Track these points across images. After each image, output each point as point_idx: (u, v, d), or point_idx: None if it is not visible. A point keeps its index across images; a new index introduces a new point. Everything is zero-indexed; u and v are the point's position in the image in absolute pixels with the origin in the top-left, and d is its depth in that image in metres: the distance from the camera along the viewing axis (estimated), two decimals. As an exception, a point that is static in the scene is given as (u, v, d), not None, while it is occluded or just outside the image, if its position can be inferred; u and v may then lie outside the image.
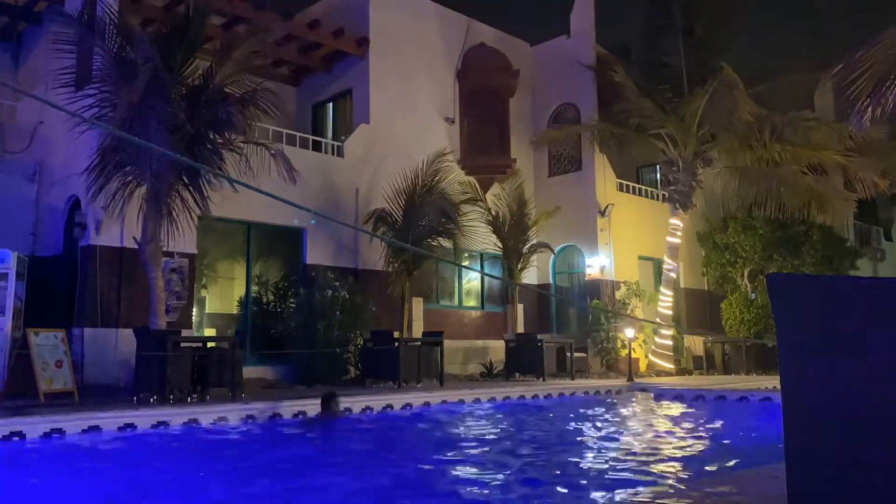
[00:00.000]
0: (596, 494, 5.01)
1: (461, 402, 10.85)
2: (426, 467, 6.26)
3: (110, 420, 7.49)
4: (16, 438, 6.74)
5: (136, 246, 10.44)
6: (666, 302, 16.84)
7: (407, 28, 16.55)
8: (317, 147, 14.74)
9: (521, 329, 16.75)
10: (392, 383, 11.94)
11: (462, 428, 9.09)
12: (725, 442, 7.80)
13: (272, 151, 10.89)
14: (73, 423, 7.19)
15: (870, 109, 9.36)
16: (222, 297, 14.83)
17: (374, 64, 15.74)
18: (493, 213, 16.21)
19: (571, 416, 10.26)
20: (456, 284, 17.21)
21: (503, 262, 16.52)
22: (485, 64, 17.42)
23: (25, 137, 12.98)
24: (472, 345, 16.26)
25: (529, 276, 17.68)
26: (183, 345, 9.92)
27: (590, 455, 6.75)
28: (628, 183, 18.85)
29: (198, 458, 6.71)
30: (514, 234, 16.14)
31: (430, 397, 10.55)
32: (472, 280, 17.65)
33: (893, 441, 2.54)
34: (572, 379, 14.37)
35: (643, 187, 19.55)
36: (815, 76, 16.16)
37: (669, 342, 16.95)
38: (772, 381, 12.42)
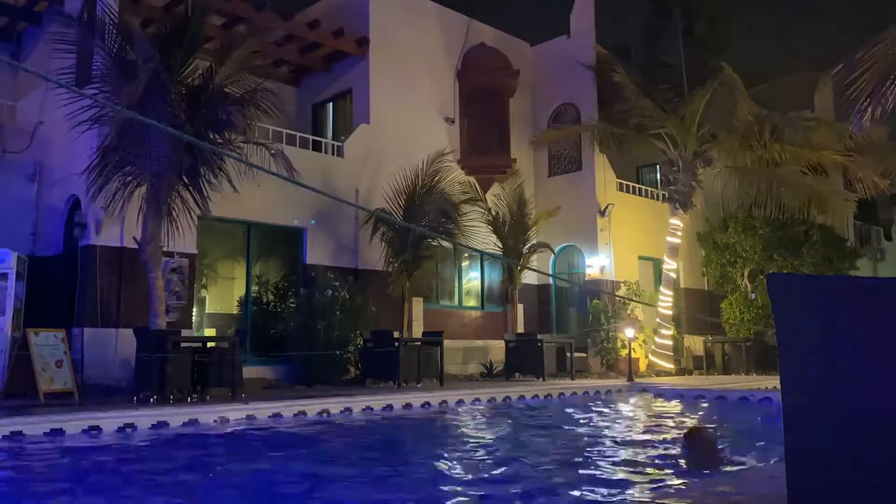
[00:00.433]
0: (596, 494, 5.01)
1: (461, 402, 10.84)
2: (425, 467, 6.27)
3: (110, 420, 7.48)
4: (16, 438, 6.73)
5: (136, 246, 10.45)
6: (666, 302, 16.84)
7: (407, 28, 16.56)
8: (317, 147, 14.74)
9: (521, 329, 16.75)
10: (392, 383, 11.94)
11: (461, 427, 9.09)
12: (725, 442, 7.79)
13: (272, 151, 10.89)
14: (73, 423, 7.19)
15: (870, 109, 9.36)
16: (222, 297, 14.83)
17: (374, 64, 15.74)
18: (493, 213, 16.21)
19: (571, 416, 10.26)
20: (456, 284, 17.21)
21: (503, 264, 16.53)
22: (485, 64, 17.42)
23: (25, 137, 12.98)
24: (472, 345, 16.26)
25: (529, 276, 17.69)
26: (183, 345, 9.93)
27: (589, 455, 6.75)
28: (628, 183, 18.85)
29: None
30: (514, 234, 16.14)
31: (430, 397, 10.54)
32: (472, 280, 17.65)
33: (893, 441, 2.54)
34: (572, 379, 14.38)
35: (643, 187, 19.55)
36: (815, 76, 16.19)
37: (669, 342, 16.95)
38: (772, 381, 12.42)
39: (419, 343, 13.05)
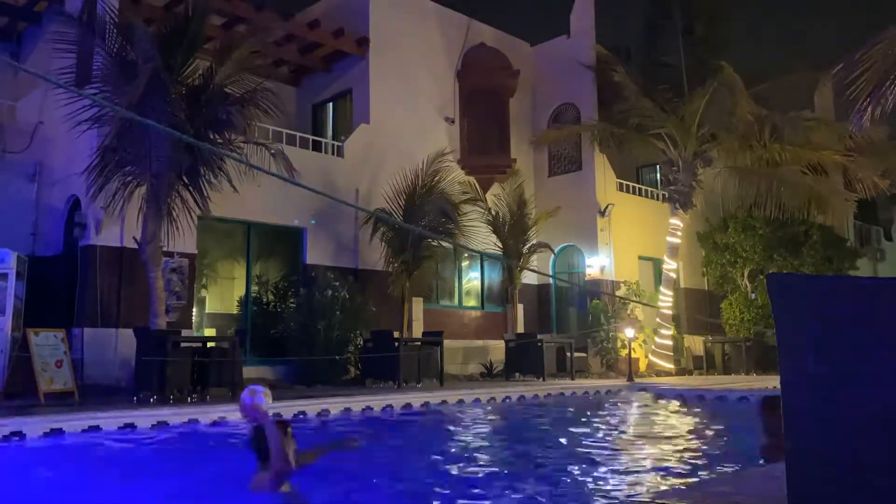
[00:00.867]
0: (596, 494, 5.01)
1: (461, 402, 10.84)
2: (425, 467, 6.26)
3: (110, 420, 7.48)
4: (16, 438, 6.73)
5: (136, 246, 10.45)
6: (666, 302, 16.84)
7: (407, 28, 16.55)
8: (317, 147, 14.74)
9: (521, 329, 16.75)
10: (392, 383, 11.94)
11: (460, 427, 9.09)
12: (725, 442, 7.80)
13: (272, 151, 10.89)
14: (73, 423, 7.19)
15: (870, 109, 9.36)
16: (222, 297, 14.84)
17: (374, 64, 15.74)
18: (493, 213, 16.21)
19: (571, 416, 10.26)
20: (456, 284, 17.21)
21: (503, 264, 16.53)
22: (485, 64, 17.43)
23: (25, 137, 12.98)
24: (472, 345, 16.26)
25: (529, 276, 17.69)
26: (183, 345, 9.93)
27: (589, 455, 6.75)
28: (628, 183, 18.86)
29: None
30: (514, 234, 16.14)
31: (430, 397, 10.54)
32: (472, 280, 17.65)
33: (893, 441, 2.54)
34: (572, 379, 14.38)
35: (643, 187, 19.56)
36: (815, 76, 16.18)
37: (669, 342, 16.95)
38: (772, 381, 12.42)
39: (419, 343, 13.05)
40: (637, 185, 19.35)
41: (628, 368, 14.67)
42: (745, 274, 18.56)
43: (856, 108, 9.54)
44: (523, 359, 14.47)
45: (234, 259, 14.37)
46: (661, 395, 12.46)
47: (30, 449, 6.59)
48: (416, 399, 10.28)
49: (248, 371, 11.31)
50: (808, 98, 18.88)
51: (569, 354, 14.89)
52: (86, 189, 10.33)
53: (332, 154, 14.85)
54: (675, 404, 11.58)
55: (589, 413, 10.50)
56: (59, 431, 7.04)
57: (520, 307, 17.06)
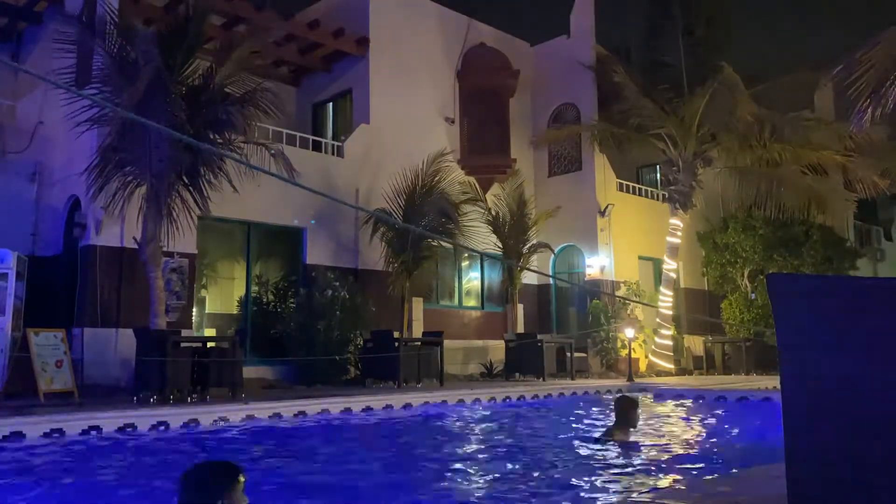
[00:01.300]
0: (596, 494, 5.01)
1: (461, 402, 10.84)
2: (425, 466, 6.27)
3: (110, 420, 7.48)
4: (16, 438, 6.73)
5: (136, 246, 10.45)
6: (666, 302, 16.84)
7: (407, 28, 16.55)
8: (317, 147, 14.74)
9: (521, 329, 16.75)
10: (392, 383, 11.94)
11: (459, 427, 9.09)
12: (725, 442, 7.80)
13: (272, 151, 10.89)
14: (73, 423, 7.19)
15: (870, 109, 9.36)
16: (222, 297, 14.84)
17: (374, 64, 15.74)
18: (493, 213, 16.21)
19: (571, 416, 10.26)
20: (456, 284, 17.21)
21: (503, 264, 16.53)
22: (485, 64, 17.42)
23: (25, 137, 12.98)
24: (472, 345, 16.26)
25: (529, 276, 17.69)
26: (183, 345, 9.93)
27: (589, 455, 6.75)
28: (628, 183, 18.85)
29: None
30: (514, 234, 16.14)
31: (430, 397, 10.54)
32: (472, 280, 17.65)
33: (893, 441, 2.54)
34: (572, 379, 14.38)
35: (643, 187, 19.55)
36: (815, 76, 16.16)
37: (669, 342, 16.95)
38: (772, 381, 12.42)
39: (419, 343, 13.05)
40: (637, 185, 19.35)
41: (628, 368, 14.67)
42: (745, 274, 18.56)
43: (856, 109, 9.54)
44: (523, 359, 14.47)
45: (234, 259, 14.37)
46: (660, 395, 12.47)
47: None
48: (416, 399, 10.28)
49: (248, 371, 11.31)
50: (808, 98, 18.87)
51: (569, 354, 14.89)
52: (86, 189, 10.33)
53: (332, 154, 14.84)
54: (674, 404, 11.58)
55: (588, 413, 10.50)
56: (59, 431, 7.04)
57: (520, 307, 17.06)
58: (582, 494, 5.04)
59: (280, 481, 5.41)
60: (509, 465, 6.34)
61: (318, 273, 13.38)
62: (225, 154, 10.02)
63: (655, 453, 6.99)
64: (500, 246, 16.05)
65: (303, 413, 8.98)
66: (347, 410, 9.41)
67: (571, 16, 18.48)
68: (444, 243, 14.41)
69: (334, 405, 9.41)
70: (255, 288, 13.56)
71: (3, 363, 9.20)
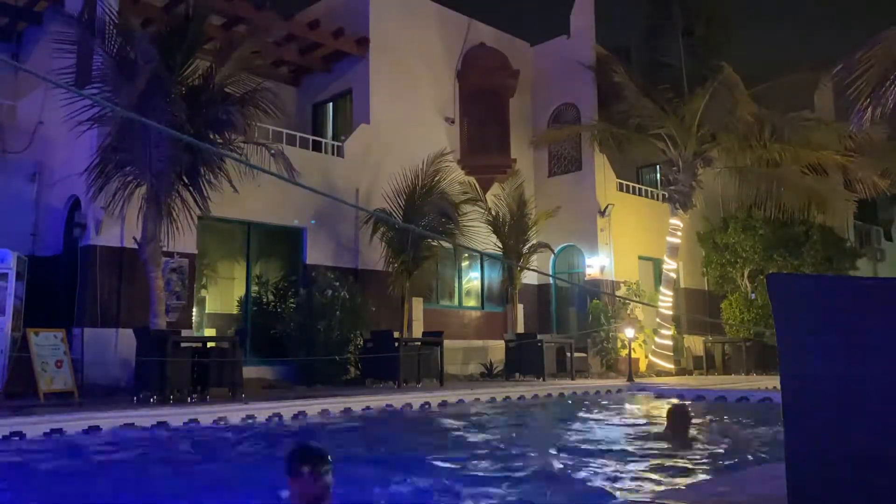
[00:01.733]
0: (596, 495, 5.01)
1: (461, 402, 10.84)
2: (426, 465, 6.26)
3: (110, 420, 7.48)
4: (16, 438, 6.73)
5: (136, 246, 10.45)
6: (666, 302, 16.84)
7: (407, 28, 16.55)
8: (317, 147, 14.74)
9: (521, 329, 16.75)
10: (392, 383, 11.94)
11: (459, 428, 9.08)
12: (725, 442, 7.79)
13: (272, 151, 10.89)
14: (73, 423, 7.19)
15: (870, 109, 9.36)
16: (222, 297, 14.83)
17: (374, 64, 15.74)
18: (493, 213, 16.21)
19: (571, 416, 10.26)
20: (456, 284, 17.21)
21: (503, 264, 16.54)
22: (485, 64, 17.42)
23: (25, 137, 12.98)
24: (472, 345, 16.25)
25: (529, 276, 17.68)
26: (183, 345, 9.93)
27: (589, 455, 6.75)
28: (628, 183, 18.85)
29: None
30: (514, 234, 16.13)
31: (430, 397, 10.54)
32: (472, 280, 17.65)
33: (893, 441, 2.54)
34: (572, 379, 14.38)
35: (643, 187, 19.55)
36: (815, 76, 16.18)
37: (669, 342, 16.95)
38: (772, 381, 12.42)
39: (419, 343, 13.05)
40: (637, 185, 19.35)
41: (628, 368, 14.67)
42: (745, 274, 18.56)
43: (856, 109, 9.55)
44: (523, 359, 14.48)
45: (234, 259, 14.37)
46: (661, 395, 12.47)
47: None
48: (416, 399, 10.28)
49: (248, 371, 11.31)
50: (808, 98, 18.86)
51: (569, 354, 14.89)
52: (86, 189, 10.33)
53: (332, 154, 14.84)
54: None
55: (588, 413, 10.51)
56: (60, 431, 7.04)
57: (520, 307, 17.06)
58: (582, 494, 5.04)
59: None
60: (508, 465, 6.34)
61: (318, 273, 13.38)
62: (225, 154, 10.02)
63: (655, 453, 6.99)
64: (500, 246, 16.05)
65: (303, 413, 8.98)
66: (347, 410, 9.41)
67: (571, 16, 18.48)
68: (444, 243, 14.42)
69: (334, 405, 9.41)
70: (255, 288, 13.56)
71: (3, 363, 9.20)
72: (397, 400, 10.04)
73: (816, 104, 19.05)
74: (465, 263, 17.42)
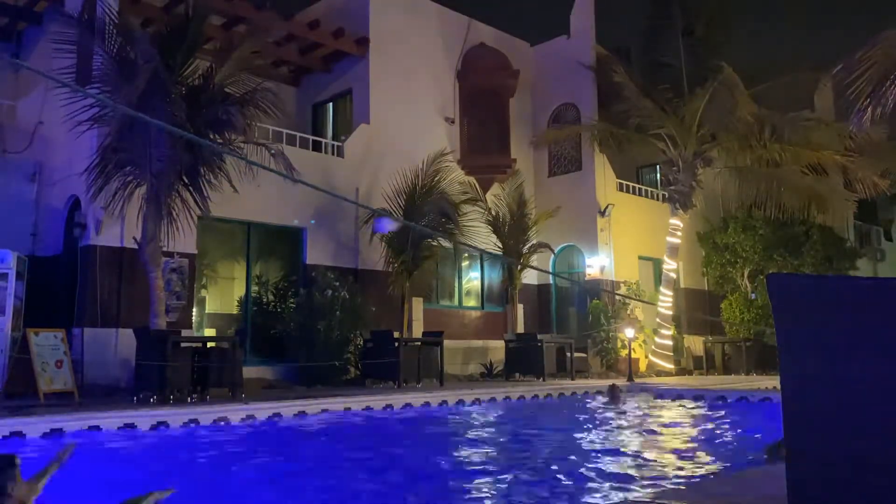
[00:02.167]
0: (595, 495, 5.01)
1: (461, 402, 10.84)
2: (427, 466, 6.27)
3: (110, 420, 7.48)
4: (16, 438, 6.73)
5: (136, 246, 10.45)
6: (666, 302, 16.84)
7: (407, 28, 16.55)
8: (317, 147, 14.74)
9: (521, 329, 16.75)
10: (392, 383, 11.94)
11: (459, 428, 9.09)
12: (725, 442, 7.79)
13: (272, 151, 10.89)
14: (73, 423, 7.19)
15: (870, 109, 9.37)
16: (222, 297, 14.83)
17: (374, 64, 15.74)
18: (493, 213, 16.21)
19: (571, 416, 10.26)
20: (456, 284, 17.21)
21: (503, 263, 16.54)
22: (485, 64, 17.42)
23: (25, 137, 12.98)
24: (472, 345, 16.25)
25: (529, 276, 17.68)
26: (183, 345, 9.93)
27: (589, 455, 6.75)
28: (628, 183, 18.85)
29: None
30: (514, 234, 16.14)
31: (430, 397, 10.54)
32: (472, 280, 17.65)
33: (893, 441, 2.54)
34: (572, 379, 14.38)
35: (643, 187, 19.55)
36: (815, 76, 16.17)
37: (669, 342, 16.95)
38: (772, 381, 12.42)
39: (419, 343, 13.05)
40: (637, 185, 19.35)
41: (628, 368, 14.67)
42: (745, 274, 18.55)
43: (856, 109, 9.55)
44: (523, 359, 14.47)
45: (234, 259, 14.36)
46: (661, 395, 12.46)
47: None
48: (416, 399, 10.28)
49: (248, 371, 11.31)
50: (808, 98, 18.86)
51: (569, 354, 14.89)
52: (86, 189, 10.33)
53: (332, 154, 14.84)
54: (674, 404, 11.58)
55: (588, 413, 10.51)
56: (60, 431, 7.04)
57: (520, 307, 17.06)
58: (582, 494, 5.04)
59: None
60: (508, 465, 6.34)
61: (318, 273, 13.38)
62: (226, 152, 10.02)
63: (655, 453, 7.00)
64: (500, 246, 16.05)
65: (303, 413, 8.98)
66: (347, 410, 9.41)
67: (571, 16, 18.48)
68: (444, 243, 14.42)
69: (334, 405, 9.41)
70: (255, 288, 13.56)
71: (3, 363, 9.20)
72: (397, 400, 10.04)
73: (816, 104, 19.04)
74: (465, 263, 17.43)
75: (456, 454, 6.99)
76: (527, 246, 16.37)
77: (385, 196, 14.07)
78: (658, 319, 16.86)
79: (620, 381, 14.01)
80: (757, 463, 5.59)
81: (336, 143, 15.02)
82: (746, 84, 15.44)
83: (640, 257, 18.40)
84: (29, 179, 12.80)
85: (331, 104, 17.14)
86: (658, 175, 20.59)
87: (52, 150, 12.59)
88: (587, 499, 4.94)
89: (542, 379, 13.89)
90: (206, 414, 8.20)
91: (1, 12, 14.14)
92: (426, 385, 12.23)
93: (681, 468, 6.07)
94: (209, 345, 10.50)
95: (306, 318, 12.33)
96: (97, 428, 7.27)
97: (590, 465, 6.23)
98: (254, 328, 13.09)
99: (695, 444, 7.54)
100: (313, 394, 10.38)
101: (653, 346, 16.97)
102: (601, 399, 11.80)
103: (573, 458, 6.70)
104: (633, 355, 15.55)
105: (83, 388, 9.66)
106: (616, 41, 18.54)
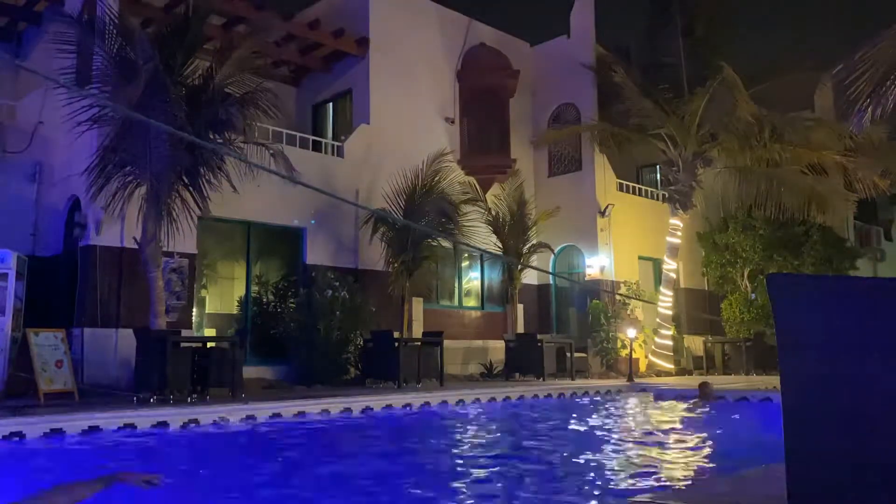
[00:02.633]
0: (595, 495, 5.01)
1: (461, 402, 10.84)
2: (425, 464, 6.27)
3: (110, 420, 7.48)
4: (15, 439, 6.73)
5: (136, 246, 10.45)
6: (666, 302, 16.83)
7: (407, 28, 16.55)
8: (317, 147, 14.74)
9: (521, 329, 16.75)
10: (392, 383, 11.94)
11: (458, 428, 9.09)
12: (725, 442, 7.79)
13: (272, 151, 10.89)
14: (73, 423, 7.19)
15: (870, 109, 9.35)
16: (222, 297, 14.83)
17: (374, 64, 15.74)
18: (493, 213, 16.21)
19: (571, 416, 10.26)
20: (456, 284, 17.21)
21: (503, 263, 16.54)
22: (485, 64, 17.42)
23: (25, 137, 12.97)
24: (472, 345, 16.25)
25: (529, 276, 17.68)
26: (183, 345, 9.93)
27: (589, 456, 6.75)
28: (628, 183, 18.85)
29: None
30: (514, 234, 16.13)
31: (430, 398, 10.54)
32: (472, 280, 17.65)
33: (893, 441, 2.54)
34: (572, 379, 14.37)
35: (643, 187, 19.55)
36: (815, 76, 16.17)
37: (669, 342, 16.95)
38: (772, 381, 12.41)
39: (419, 343, 13.04)
40: (637, 185, 19.35)
41: (628, 369, 14.67)
42: (745, 274, 18.55)
43: (856, 109, 9.53)
44: (523, 359, 14.47)
45: (234, 259, 14.36)
46: (661, 395, 12.46)
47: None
48: (416, 399, 10.28)
49: (248, 371, 11.31)
50: (808, 98, 18.86)
51: (569, 354, 14.88)
52: (86, 189, 10.33)
53: (332, 154, 14.84)
54: (674, 404, 11.57)
55: (588, 413, 10.51)
56: (60, 431, 7.04)
57: (520, 307, 17.06)
58: (582, 495, 5.04)
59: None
60: (508, 465, 6.34)
61: (318, 273, 13.37)
62: (227, 152, 10.02)
63: (655, 453, 7.00)
64: (500, 246, 16.05)
65: (303, 413, 8.98)
66: (347, 411, 9.41)
67: (571, 16, 18.48)
68: (444, 243, 14.42)
69: (334, 405, 9.41)
70: (255, 288, 13.56)
71: (3, 363, 9.20)
72: (397, 400, 10.04)
73: (816, 104, 19.05)
74: (465, 263, 17.42)
75: (455, 454, 6.99)
76: (527, 246, 16.37)
77: (385, 196, 14.06)
78: (658, 319, 16.86)
79: (620, 381, 14.02)
80: (756, 463, 5.59)
81: (336, 144, 15.02)
82: (746, 84, 15.43)
83: (640, 257, 18.40)
84: (29, 179, 12.79)
85: (331, 104, 17.14)
86: (658, 175, 20.59)
87: (52, 150, 12.59)
88: (587, 499, 4.94)
89: (542, 379, 13.89)
90: (206, 414, 8.20)
91: (1, 12, 14.14)
92: (426, 385, 12.22)
93: (681, 468, 6.07)
94: (209, 345, 10.50)
95: (306, 318, 12.33)
96: (97, 428, 7.27)
97: (590, 466, 6.23)
98: (254, 328, 13.09)
99: (694, 444, 7.54)
100: (313, 394, 10.38)
101: (653, 346, 16.97)
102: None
103: (573, 458, 6.70)
104: (633, 355, 15.55)
105: (83, 389, 9.66)
106: (616, 41, 18.55)
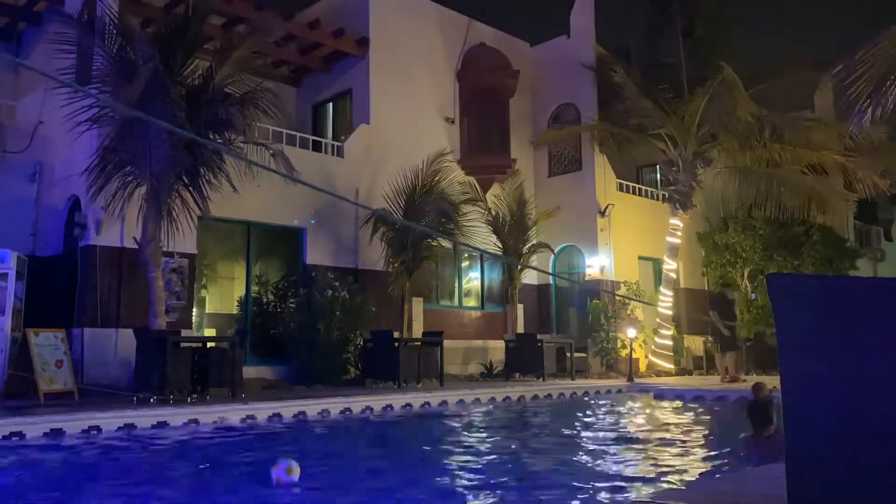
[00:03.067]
0: (595, 495, 5.01)
1: (461, 402, 10.84)
2: (425, 465, 6.27)
3: (110, 420, 7.48)
4: (15, 438, 6.73)
5: (136, 246, 10.45)
6: (666, 302, 16.83)
7: (407, 28, 16.55)
8: (317, 147, 14.74)
9: (521, 329, 16.75)
10: (392, 383, 11.94)
11: (458, 428, 9.09)
12: (725, 442, 7.80)
13: (272, 151, 10.89)
14: (73, 423, 7.19)
15: (870, 109, 9.35)
16: (222, 297, 14.83)
17: (374, 64, 15.74)
18: (493, 213, 16.21)
19: (571, 416, 10.26)
20: (456, 284, 17.21)
21: (503, 263, 16.54)
22: (485, 64, 17.42)
23: (25, 137, 12.98)
24: (472, 345, 16.25)
25: (529, 276, 17.68)
26: (183, 345, 9.93)
27: (589, 456, 6.75)
28: (628, 183, 18.85)
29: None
30: (514, 234, 16.14)
31: (430, 397, 10.55)
32: (472, 280, 17.65)
33: (893, 441, 2.54)
34: (572, 379, 14.38)
35: (643, 187, 19.55)
36: (815, 76, 16.17)
37: (669, 342, 16.95)
38: (772, 381, 12.40)
39: (419, 343, 13.05)
40: (637, 185, 19.35)
41: (628, 369, 14.67)
42: (745, 274, 18.54)
43: (856, 109, 9.53)
44: (523, 359, 14.47)
45: (234, 259, 14.36)
46: (661, 395, 12.46)
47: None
48: (416, 399, 10.28)
49: (248, 371, 11.31)
50: (808, 98, 18.86)
51: (569, 355, 14.89)
52: (86, 189, 10.33)
53: (332, 154, 14.84)
54: (675, 404, 11.58)
55: (588, 413, 10.51)
56: (60, 431, 7.04)
57: (520, 307, 17.06)
58: (582, 495, 5.04)
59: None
60: (507, 465, 6.34)
61: (318, 273, 13.37)
62: (227, 151, 10.02)
63: (655, 453, 7.00)
64: (500, 246, 16.05)
65: (303, 413, 8.99)
66: (347, 411, 9.41)
67: (571, 16, 18.48)
68: (444, 243, 14.42)
69: (334, 405, 9.41)
70: (255, 288, 13.56)
71: (3, 363, 9.20)
72: (397, 400, 10.04)
73: (816, 104, 19.04)
74: (465, 263, 17.43)
75: (455, 454, 6.99)
76: (527, 246, 16.37)
77: (385, 196, 14.07)
78: (658, 319, 16.86)
79: (620, 382, 14.02)
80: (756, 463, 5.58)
81: (336, 144, 15.02)
82: (746, 84, 15.44)
83: (640, 257, 18.40)
84: (29, 179, 12.80)
85: (331, 104, 17.14)
86: (658, 175, 20.59)
87: (52, 150, 12.59)
88: (587, 499, 4.94)
89: (542, 379, 13.89)
90: (206, 414, 8.20)
91: (1, 12, 14.14)
92: (426, 385, 12.23)
93: (681, 468, 6.07)
94: (209, 345, 10.50)
95: (306, 318, 12.33)
96: (97, 428, 7.27)
97: (590, 466, 6.23)
98: (254, 328, 13.09)
99: (694, 444, 7.54)
100: (313, 394, 10.38)
101: (653, 347, 16.97)
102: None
103: (573, 458, 6.70)
104: (633, 355, 15.55)
105: (83, 388, 9.66)
106: (616, 41, 18.56)
